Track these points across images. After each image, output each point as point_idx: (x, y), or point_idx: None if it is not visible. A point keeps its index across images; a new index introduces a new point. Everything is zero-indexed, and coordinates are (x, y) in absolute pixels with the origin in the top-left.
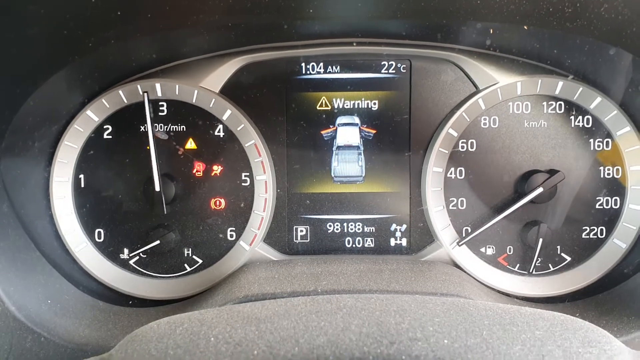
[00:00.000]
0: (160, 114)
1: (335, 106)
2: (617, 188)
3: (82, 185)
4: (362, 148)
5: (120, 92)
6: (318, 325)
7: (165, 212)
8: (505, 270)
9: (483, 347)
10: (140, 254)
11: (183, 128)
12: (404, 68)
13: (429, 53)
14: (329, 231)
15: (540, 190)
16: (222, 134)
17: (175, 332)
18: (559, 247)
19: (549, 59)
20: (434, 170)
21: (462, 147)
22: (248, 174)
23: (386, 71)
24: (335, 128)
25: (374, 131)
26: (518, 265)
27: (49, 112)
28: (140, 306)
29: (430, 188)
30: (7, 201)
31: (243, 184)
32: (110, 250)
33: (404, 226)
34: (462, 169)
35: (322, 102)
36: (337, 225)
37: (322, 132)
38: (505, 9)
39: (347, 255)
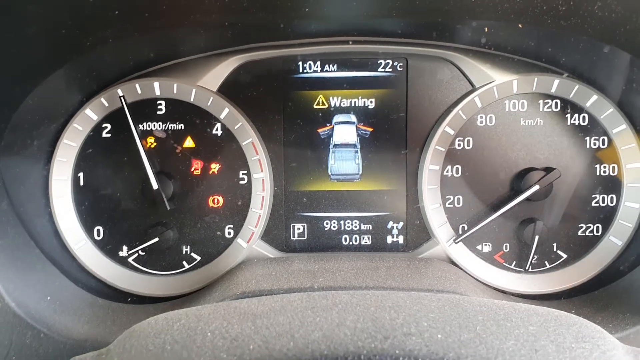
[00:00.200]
0: (158, 112)
1: (332, 104)
2: (613, 186)
3: (81, 184)
4: (359, 146)
5: (119, 91)
6: (313, 320)
7: (168, 209)
8: (502, 268)
9: (476, 342)
10: (139, 251)
11: (181, 127)
12: (400, 66)
13: (425, 51)
14: (326, 229)
15: (536, 187)
16: (219, 133)
17: (173, 328)
18: (555, 244)
19: (544, 57)
20: (431, 168)
21: (459, 145)
22: (245, 172)
23: (383, 69)
24: (332, 126)
25: (370, 129)
26: (514, 262)
27: (48, 111)
28: (138, 303)
29: (427, 186)
30: (6, 199)
31: (240, 182)
32: (109, 248)
33: (401, 224)
34: (459, 166)
35: (319, 100)
36: (334, 222)
37: (319, 130)
38: (499, 7)
39: (344, 252)
